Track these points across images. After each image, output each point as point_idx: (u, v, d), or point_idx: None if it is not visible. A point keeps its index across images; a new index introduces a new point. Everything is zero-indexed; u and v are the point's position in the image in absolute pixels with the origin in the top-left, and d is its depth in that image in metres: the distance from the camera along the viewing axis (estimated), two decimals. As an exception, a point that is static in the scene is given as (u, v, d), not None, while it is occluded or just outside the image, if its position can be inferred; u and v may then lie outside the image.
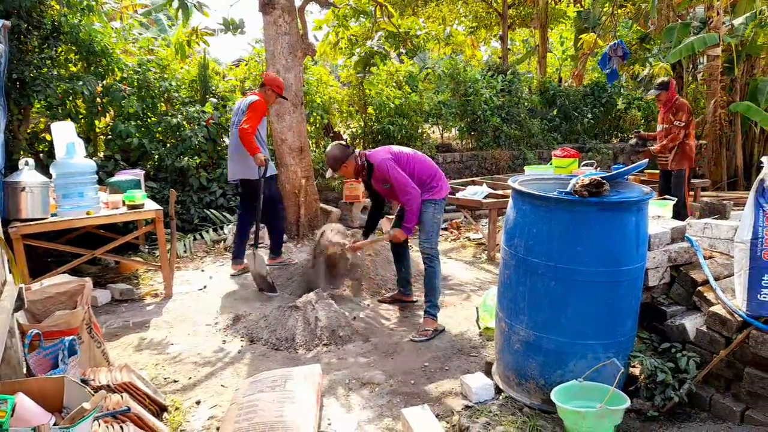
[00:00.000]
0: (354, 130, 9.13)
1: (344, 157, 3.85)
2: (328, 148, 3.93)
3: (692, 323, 2.89)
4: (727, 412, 2.68)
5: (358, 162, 3.88)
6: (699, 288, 2.97)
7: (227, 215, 6.78)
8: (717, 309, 2.76)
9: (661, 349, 2.95)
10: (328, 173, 4.01)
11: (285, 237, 6.55)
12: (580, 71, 12.26)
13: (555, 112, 11.15)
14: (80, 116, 6.15)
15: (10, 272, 2.54)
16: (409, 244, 4.40)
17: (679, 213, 5.93)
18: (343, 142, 3.93)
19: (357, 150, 3.93)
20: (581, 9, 12.94)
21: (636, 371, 2.95)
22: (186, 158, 6.61)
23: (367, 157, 3.90)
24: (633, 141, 6.55)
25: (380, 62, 8.46)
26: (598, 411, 2.44)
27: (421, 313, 4.33)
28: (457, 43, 11.07)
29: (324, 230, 4.99)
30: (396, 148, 4.02)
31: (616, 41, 9.61)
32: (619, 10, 10.74)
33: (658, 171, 7.26)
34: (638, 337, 3.00)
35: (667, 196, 5.38)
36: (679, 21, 9.27)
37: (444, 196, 4.00)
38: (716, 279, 2.96)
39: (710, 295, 2.88)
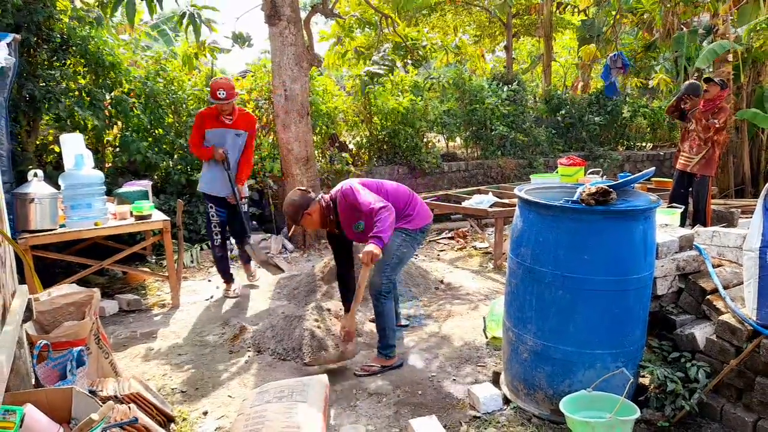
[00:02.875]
0: (360, 139, 9.16)
1: (306, 202, 3.32)
2: (286, 198, 3.43)
3: (702, 332, 2.87)
4: (739, 423, 2.65)
5: (323, 204, 3.37)
6: (708, 297, 2.95)
7: (234, 225, 6.80)
8: (726, 318, 2.73)
9: (670, 359, 2.92)
10: (292, 230, 3.53)
11: (291, 246, 6.57)
12: (586, 81, 12.25)
13: (561, 119, 11.14)
14: (89, 128, 6.20)
15: (25, 281, 2.56)
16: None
17: (701, 221, 5.86)
18: (303, 188, 3.45)
19: (320, 194, 3.46)
20: (585, 18, 12.96)
21: (645, 381, 2.93)
22: (181, 168, 6.63)
23: (331, 196, 3.43)
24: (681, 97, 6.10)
25: (388, 81, 8.52)
26: (608, 421, 2.42)
27: (429, 322, 4.33)
28: (467, 55, 11.07)
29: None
30: (361, 179, 3.53)
31: (615, 53, 9.58)
32: (624, 20, 10.72)
33: (665, 180, 7.21)
34: (647, 346, 2.98)
35: (675, 204, 5.33)
36: (684, 29, 9.28)
37: (419, 227, 3.45)
38: (725, 287, 2.94)
39: (719, 304, 2.86)
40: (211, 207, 4.94)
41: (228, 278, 5.13)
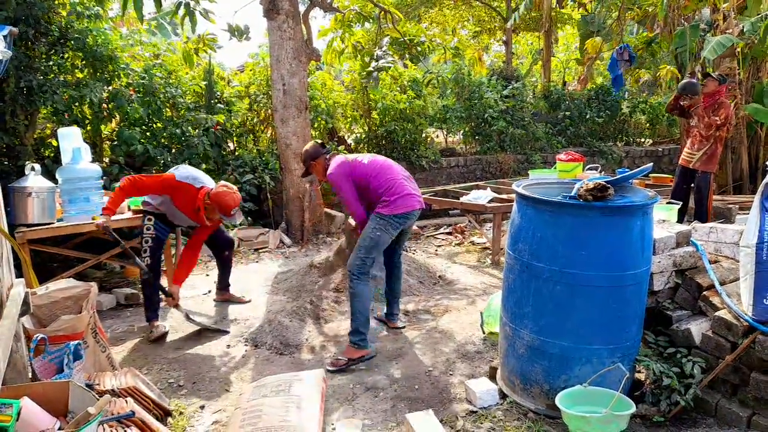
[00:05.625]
0: (359, 134, 9.14)
1: (315, 154, 3.81)
2: (306, 145, 3.95)
3: (698, 328, 2.88)
4: (734, 418, 2.66)
5: (325, 163, 3.79)
6: (704, 292, 2.96)
7: (232, 220, 6.80)
8: (722, 314, 2.74)
9: (666, 354, 2.93)
10: (303, 172, 4.01)
11: (289, 241, 6.58)
12: (586, 76, 12.21)
13: (561, 116, 11.14)
14: (86, 122, 6.19)
15: (22, 275, 2.56)
16: (400, 253, 4.06)
17: (701, 217, 5.85)
18: (320, 141, 3.93)
19: (331, 152, 3.89)
20: (586, 13, 12.92)
21: (641, 376, 2.94)
22: (179, 162, 6.61)
23: (329, 161, 3.78)
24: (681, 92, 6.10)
25: (386, 76, 8.54)
26: (604, 416, 2.43)
27: (427, 317, 4.33)
28: (466, 56, 11.06)
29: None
30: (353, 156, 3.74)
31: (621, 45, 9.54)
32: (629, 14, 10.66)
33: (663, 176, 7.20)
34: (643, 341, 2.99)
35: (673, 200, 5.32)
36: (686, 24, 9.25)
37: (395, 213, 3.52)
38: (722, 283, 2.95)
39: (716, 300, 2.87)
40: (149, 219, 4.00)
41: (155, 314, 4.06)
